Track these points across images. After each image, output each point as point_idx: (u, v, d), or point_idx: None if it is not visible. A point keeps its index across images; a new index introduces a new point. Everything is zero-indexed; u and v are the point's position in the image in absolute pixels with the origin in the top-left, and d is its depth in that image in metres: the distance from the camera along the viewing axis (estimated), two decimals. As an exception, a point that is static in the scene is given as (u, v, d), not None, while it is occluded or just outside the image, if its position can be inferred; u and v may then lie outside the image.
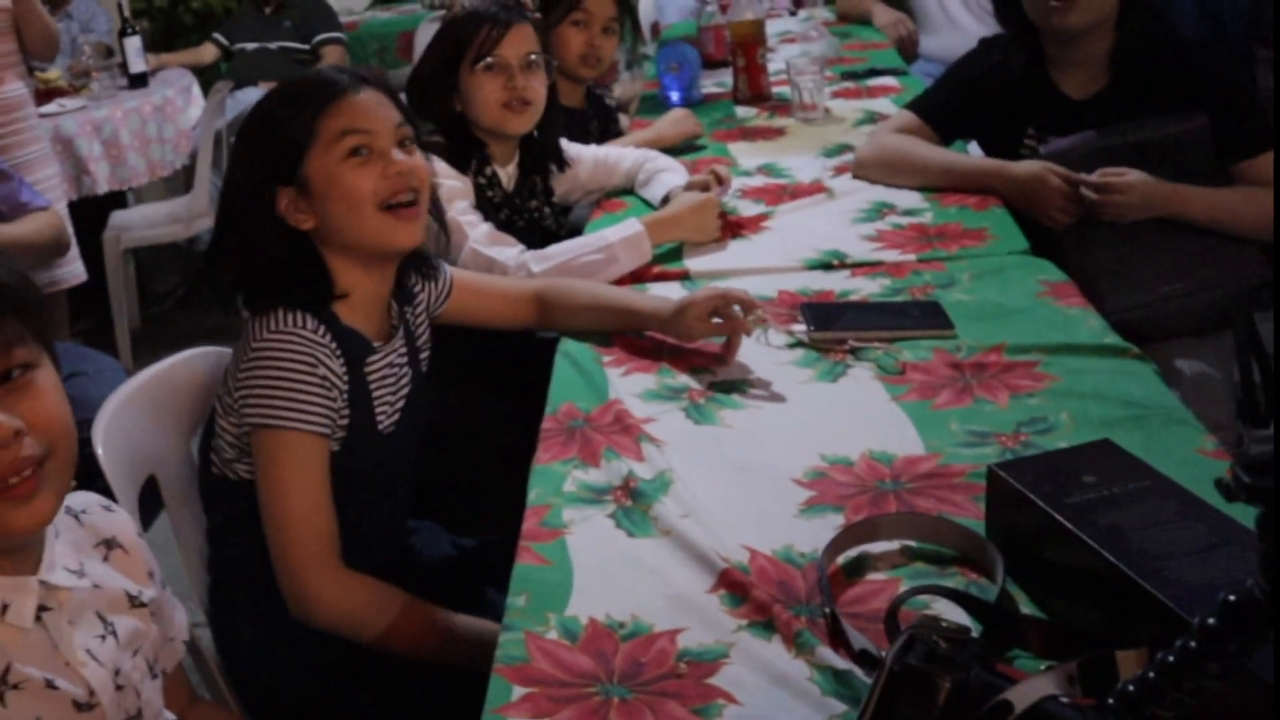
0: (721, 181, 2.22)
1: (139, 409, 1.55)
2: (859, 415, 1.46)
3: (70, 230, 2.88)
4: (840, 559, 1.17)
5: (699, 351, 1.66)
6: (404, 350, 1.59)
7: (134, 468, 1.49)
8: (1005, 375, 1.51)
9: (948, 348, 1.60)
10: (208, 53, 5.29)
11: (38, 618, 1.04)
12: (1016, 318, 1.66)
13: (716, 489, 1.33)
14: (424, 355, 1.65)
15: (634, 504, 1.31)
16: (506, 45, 2.08)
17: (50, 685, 1.03)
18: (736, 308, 1.63)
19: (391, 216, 1.48)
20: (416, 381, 1.60)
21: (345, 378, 1.46)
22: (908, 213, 2.11)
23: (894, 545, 1.19)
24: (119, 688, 1.09)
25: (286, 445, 1.41)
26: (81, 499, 1.18)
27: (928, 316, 1.68)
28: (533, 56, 2.11)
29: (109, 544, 1.16)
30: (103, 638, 1.09)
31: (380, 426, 1.52)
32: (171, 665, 1.24)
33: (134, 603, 1.15)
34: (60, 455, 1.03)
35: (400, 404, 1.56)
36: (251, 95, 4.75)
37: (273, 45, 5.16)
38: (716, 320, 1.64)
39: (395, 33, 6.07)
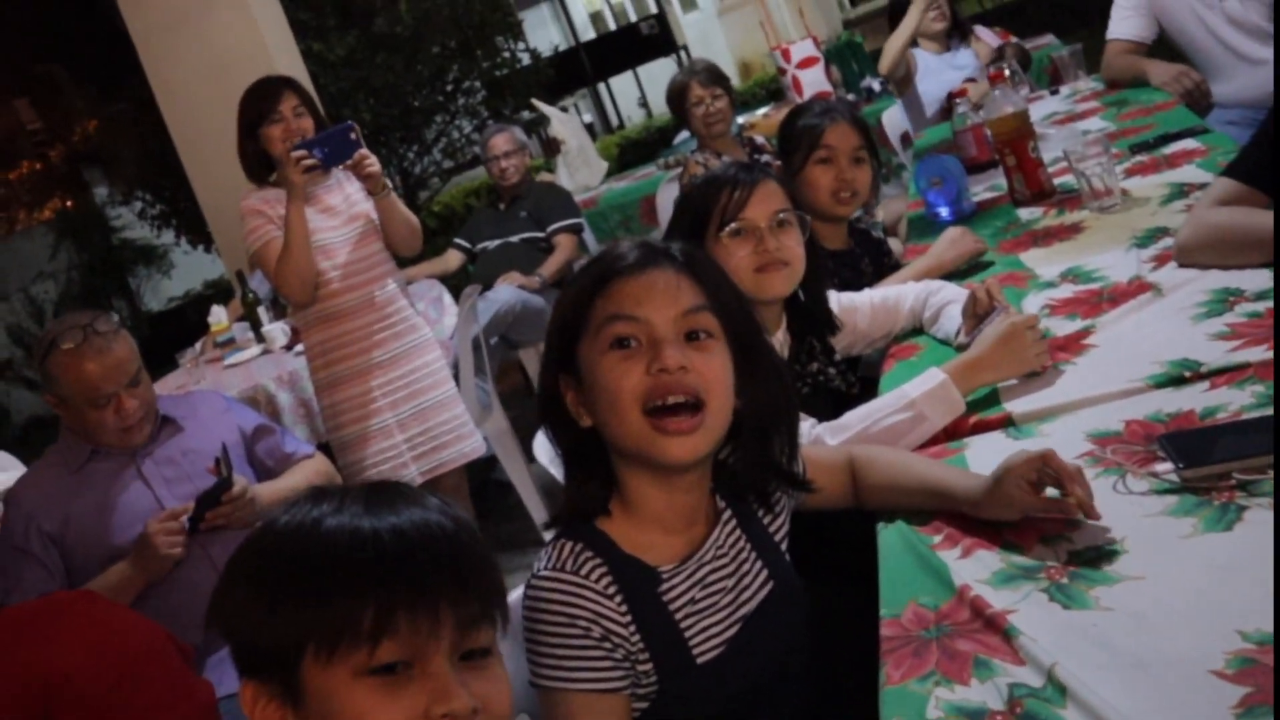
0: (989, 302, 2.00)
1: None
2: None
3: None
4: (1311, 783, 0.95)
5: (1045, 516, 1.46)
6: (726, 563, 1.46)
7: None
8: None
9: (1365, 462, 1.35)
10: (453, 259, 5.48)
11: None
12: None
13: (1114, 695, 1.12)
14: (776, 556, 1.53)
15: (1019, 732, 1.13)
16: (752, 207, 2.01)
17: None
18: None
19: (657, 422, 1.35)
20: (766, 589, 1.48)
21: (627, 617, 1.35)
22: (1261, 296, 1.85)
23: (1381, 755, 0.96)
24: None
25: (554, 705, 1.34)
26: None
27: (1326, 425, 1.44)
28: (782, 215, 2.02)
29: None
30: None
31: (699, 658, 1.40)
32: None
33: None
34: None
35: (733, 626, 1.43)
36: (503, 293, 4.88)
37: (514, 239, 5.29)
38: (1051, 492, 1.42)
39: (635, 200, 6.21)
